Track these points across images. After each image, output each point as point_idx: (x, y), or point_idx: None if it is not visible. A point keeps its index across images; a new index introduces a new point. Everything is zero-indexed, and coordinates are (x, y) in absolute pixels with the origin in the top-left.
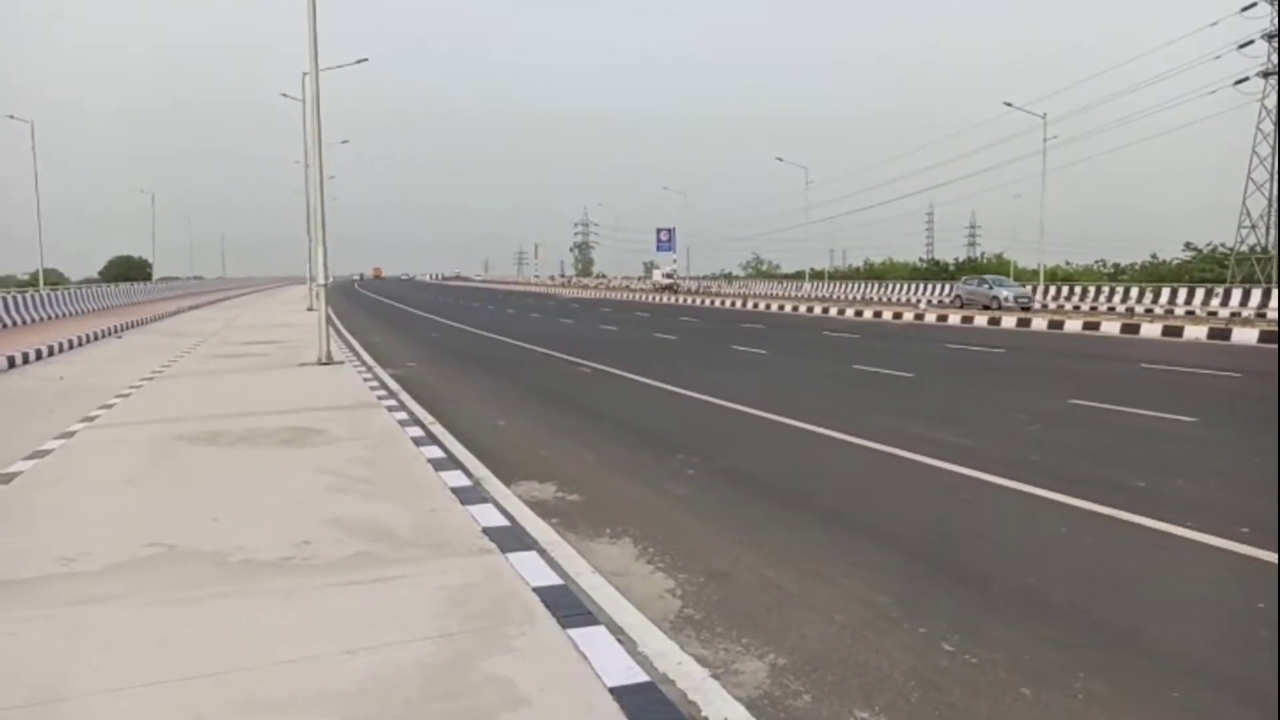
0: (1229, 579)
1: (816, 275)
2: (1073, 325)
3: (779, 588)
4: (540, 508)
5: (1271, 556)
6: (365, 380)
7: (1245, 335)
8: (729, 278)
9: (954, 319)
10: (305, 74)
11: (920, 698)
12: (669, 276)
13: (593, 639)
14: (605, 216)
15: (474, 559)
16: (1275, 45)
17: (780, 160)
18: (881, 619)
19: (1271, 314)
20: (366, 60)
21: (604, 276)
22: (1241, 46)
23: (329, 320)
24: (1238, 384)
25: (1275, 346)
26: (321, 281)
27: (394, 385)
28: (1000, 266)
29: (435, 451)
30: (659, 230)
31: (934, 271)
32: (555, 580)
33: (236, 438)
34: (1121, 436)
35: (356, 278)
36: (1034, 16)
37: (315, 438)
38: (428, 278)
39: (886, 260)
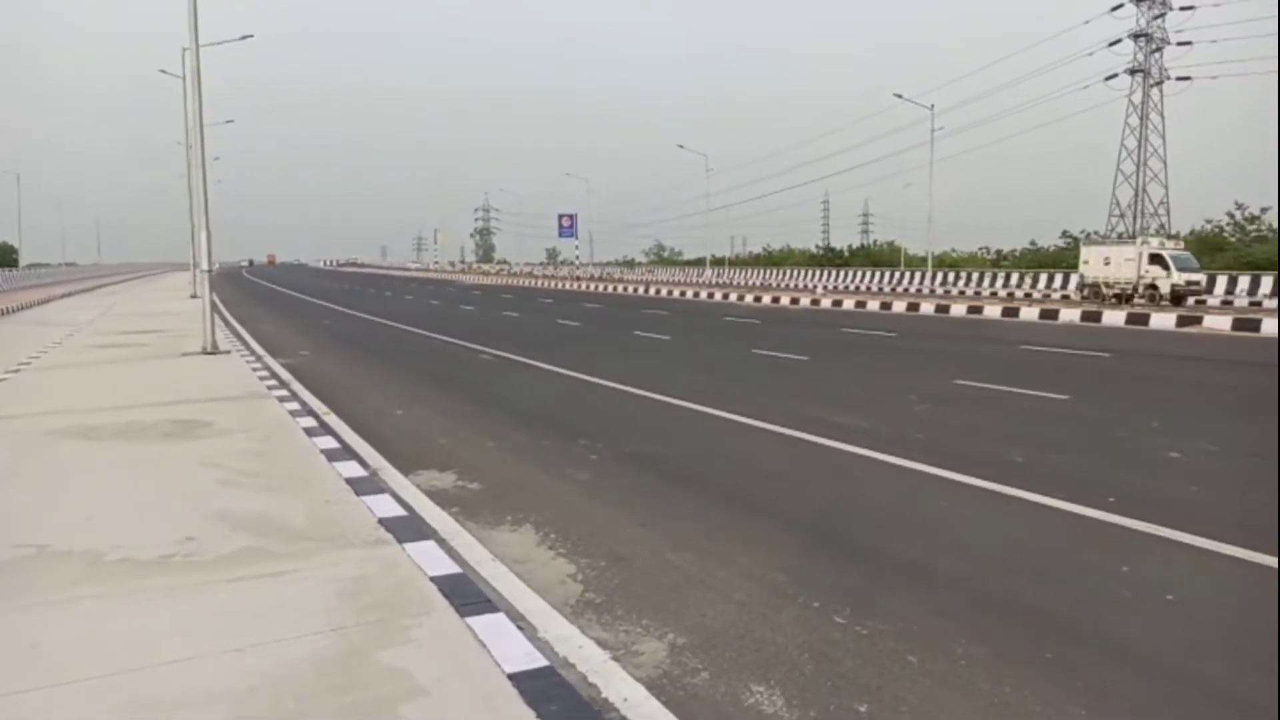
0: (1096, 545)
1: (718, 262)
2: (958, 309)
3: (679, 569)
4: (439, 497)
5: (1120, 519)
6: (254, 370)
7: (1114, 317)
8: (632, 264)
9: (848, 303)
10: (185, 49)
11: (814, 669)
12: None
13: (492, 626)
14: (507, 202)
15: (370, 550)
16: (1141, 44)
17: (681, 148)
18: (778, 595)
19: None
20: (251, 36)
21: (506, 263)
22: (1111, 45)
23: (214, 308)
24: (1106, 363)
25: (1136, 327)
26: (205, 268)
27: (285, 375)
28: (892, 254)
29: (329, 442)
30: (561, 216)
31: (830, 258)
32: (454, 569)
33: (113, 432)
34: (1002, 414)
35: (245, 264)
36: (924, 9)
37: (200, 430)
38: (321, 264)
39: (785, 247)
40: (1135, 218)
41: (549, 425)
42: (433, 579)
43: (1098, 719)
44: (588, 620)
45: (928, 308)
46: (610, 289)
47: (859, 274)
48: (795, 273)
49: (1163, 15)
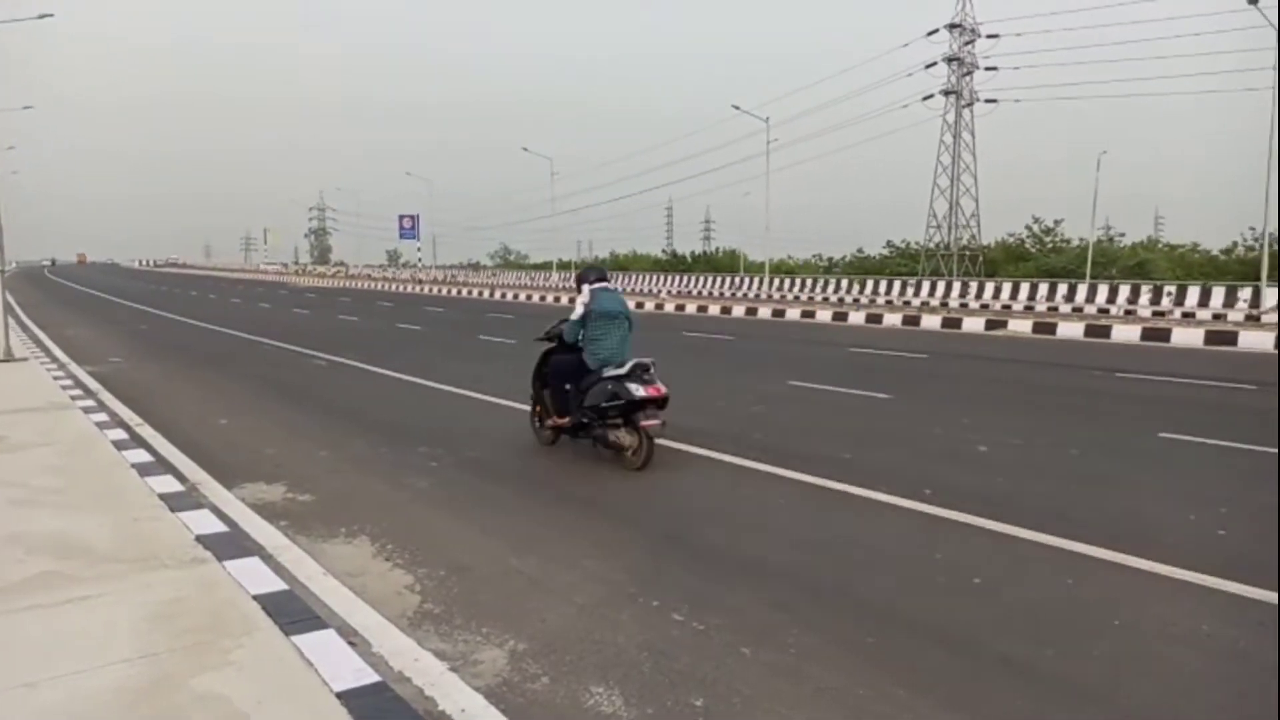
0: (917, 534)
1: (564, 266)
2: (793, 314)
3: (521, 574)
4: (266, 510)
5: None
6: (56, 379)
7: (931, 321)
8: (477, 267)
9: (690, 308)
10: None
11: (652, 667)
12: None
13: (320, 644)
14: (345, 202)
15: (185, 570)
16: (954, 68)
17: (526, 150)
18: (619, 596)
19: (954, 302)
20: (51, 15)
21: (344, 264)
22: (928, 67)
23: (8, 310)
24: (924, 364)
25: (946, 330)
26: None
27: (93, 384)
28: (732, 260)
29: (142, 455)
30: (402, 217)
31: (674, 264)
32: (280, 586)
33: None
34: (831, 413)
35: (48, 263)
36: (763, 23)
37: None
38: (137, 264)
39: (631, 252)
40: (950, 229)
41: (388, 432)
42: (256, 598)
43: (916, 697)
44: (425, 632)
45: (765, 312)
46: (454, 292)
47: (701, 279)
48: (641, 278)
49: (972, 42)
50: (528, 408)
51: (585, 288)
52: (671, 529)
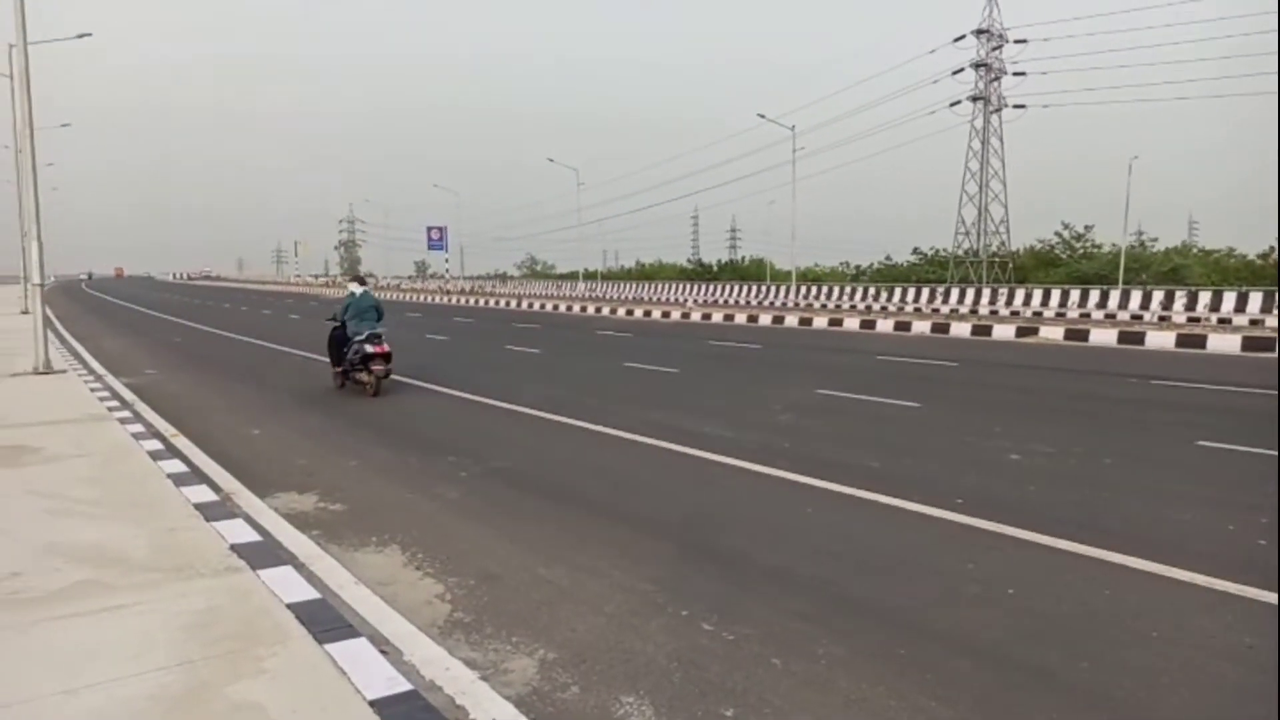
0: (946, 544)
1: (590, 275)
2: (820, 322)
3: (550, 584)
4: (299, 520)
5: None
6: (94, 390)
7: (961, 329)
8: (504, 278)
9: (717, 317)
10: (12, 46)
11: (682, 677)
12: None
13: (353, 653)
14: (373, 214)
15: (220, 579)
16: (981, 73)
17: (551, 161)
18: (647, 606)
19: (984, 309)
20: (89, 35)
21: (373, 275)
22: (955, 73)
23: (47, 323)
24: (954, 372)
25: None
26: (37, 280)
27: (129, 395)
28: (759, 268)
29: (177, 466)
30: (430, 229)
31: (700, 272)
32: (313, 595)
33: None
34: (859, 422)
35: (85, 277)
36: (786, 33)
37: (28, 456)
38: (171, 277)
39: (656, 261)
40: (979, 235)
41: (415, 442)
42: (289, 606)
43: (945, 709)
44: (456, 640)
45: (792, 320)
46: (482, 303)
47: (727, 288)
48: (666, 287)
49: (1000, 47)
50: (552, 416)
51: (352, 287)
52: (700, 538)
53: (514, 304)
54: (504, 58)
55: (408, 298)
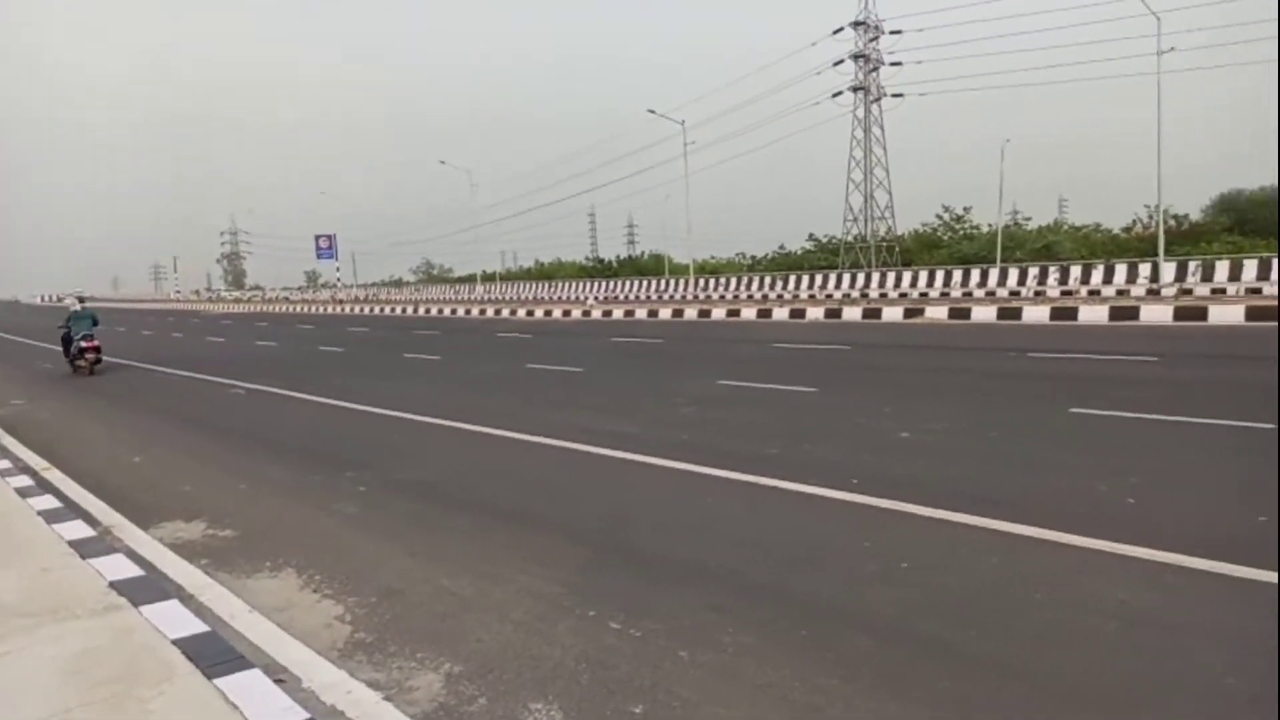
0: (845, 524)
1: (489, 278)
2: (719, 313)
3: (455, 595)
4: (186, 549)
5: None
6: None
7: (853, 313)
8: (400, 284)
9: (618, 314)
10: None
11: (590, 678)
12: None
13: (246, 685)
14: (258, 224)
15: (99, 619)
16: (860, 64)
17: (443, 164)
18: (555, 609)
19: (874, 293)
20: None
21: (260, 288)
22: (835, 64)
23: None
24: (847, 356)
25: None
26: None
27: None
28: (657, 263)
29: (49, 502)
30: (318, 237)
31: (599, 270)
32: (201, 628)
33: None
34: (760, 411)
35: None
36: (672, 23)
37: None
38: (39, 300)
39: (555, 260)
40: (866, 221)
41: (312, 459)
42: (175, 642)
43: (847, 686)
44: (358, 662)
45: (691, 314)
46: (378, 310)
47: (627, 284)
48: (567, 285)
49: (876, 38)
50: (454, 423)
51: (72, 304)
52: (607, 537)
53: (411, 310)
54: (387, 63)
55: (298, 309)
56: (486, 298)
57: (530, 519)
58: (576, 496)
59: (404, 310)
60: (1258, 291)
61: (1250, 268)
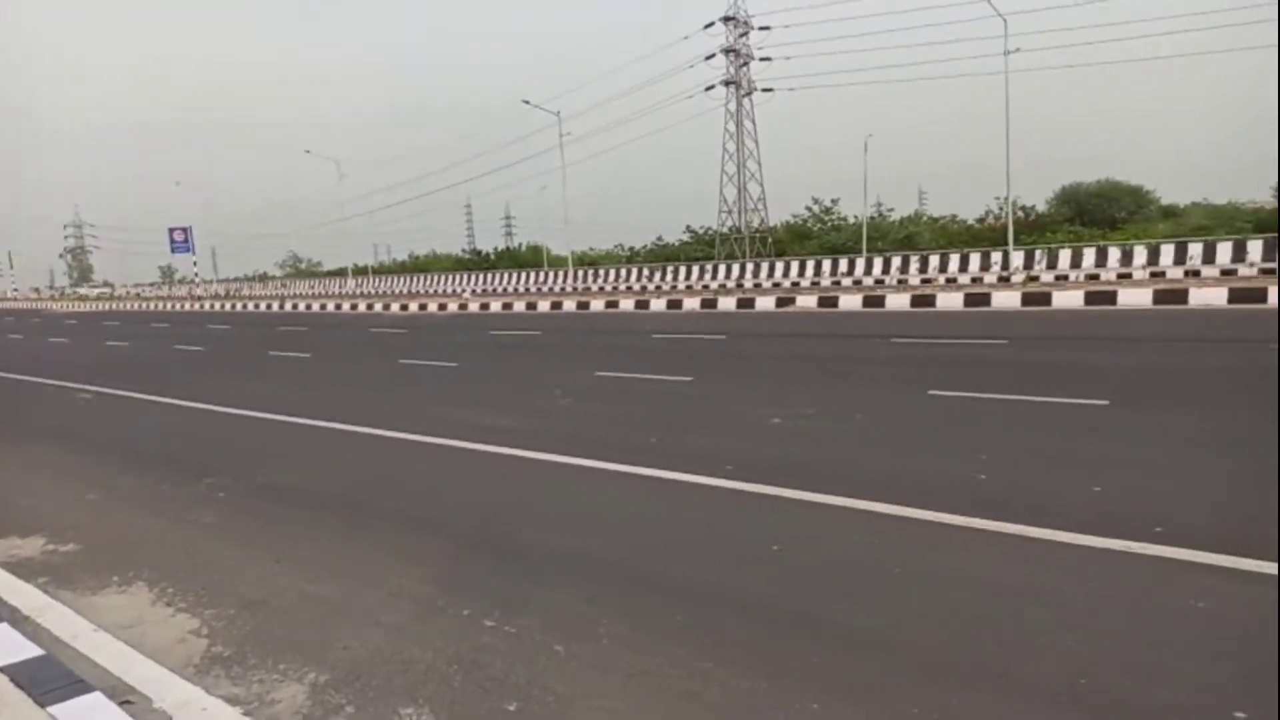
0: (720, 510)
1: (360, 271)
2: (597, 304)
3: (322, 601)
4: (21, 568)
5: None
6: None
7: (728, 303)
8: (264, 278)
9: (495, 306)
10: None
11: (464, 679)
12: None
13: (85, 711)
14: (107, 217)
15: None
16: (731, 59)
17: (309, 153)
18: (428, 610)
19: (748, 283)
20: None
21: (110, 285)
22: (707, 58)
23: None
24: (722, 345)
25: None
26: None
27: None
28: (535, 255)
29: None
30: (173, 230)
31: (476, 262)
32: (35, 652)
33: None
34: (637, 401)
35: None
36: (545, 17)
37: None
38: None
39: (431, 253)
40: (740, 213)
41: (167, 466)
42: (4, 669)
43: (720, 667)
44: (215, 677)
45: (570, 305)
46: (241, 307)
47: (505, 276)
48: (442, 278)
49: (746, 34)
50: (323, 423)
51: None
52: (484, 534)
53: (278, 306)
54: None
55: (152, 306)
56: (358, 292)
57: (403, 519)
58: (452, 494)
59: (270, 306)
60: (1096, 277)
61: (1089, 255)
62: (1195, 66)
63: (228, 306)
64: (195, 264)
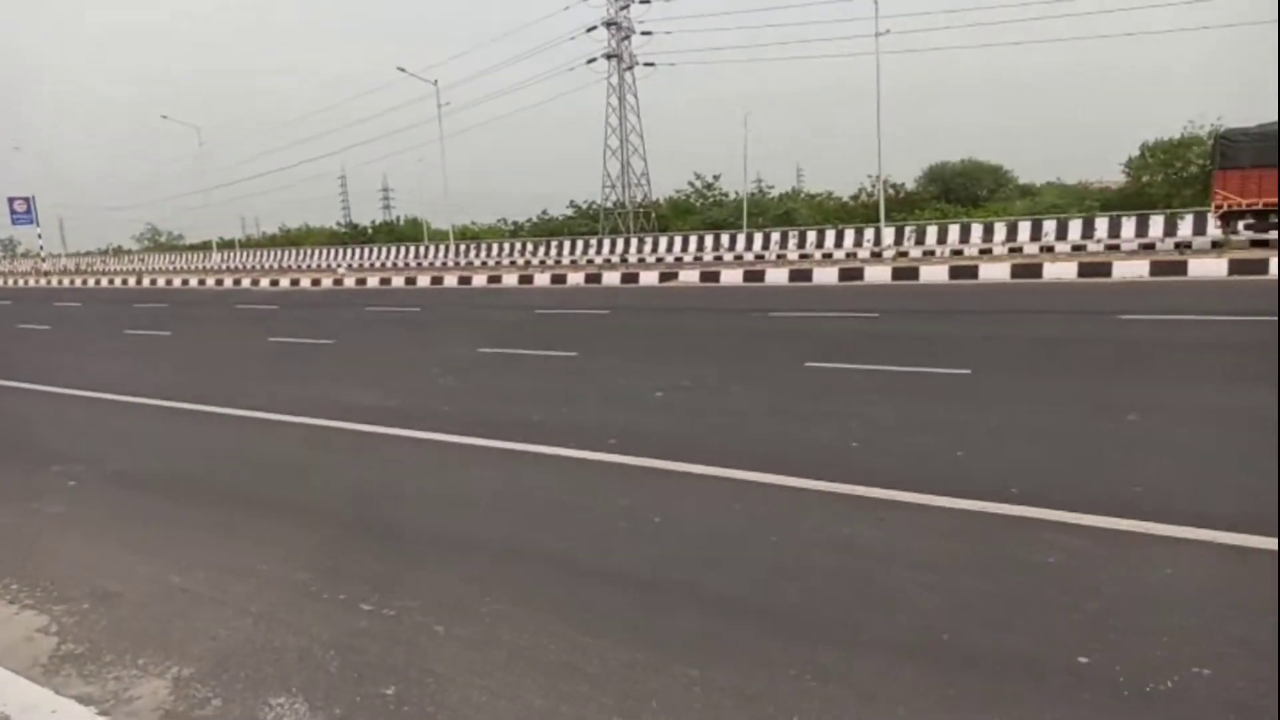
0: (602, 484)
1: (226, 245)
2: (480, 280)
3: (186, 592)
4: None
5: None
6: None
7: (612, 278)
8: (120, 253)
9: (373, 281)
10: None
11: (339, 664)
12: None
13: None
14: None
15: None
16: (613, 32)
17: (165, 119)
18: (301, 597)
19: (632, 258)
20: None
21: None
22: (589, 30)
23: None
24: (606, 319)
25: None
26: None
27: None
28: (415, 228)
29: None
30: (13, 200)
31: (352, 235)
32: None
33: None
34: (520, 377)
35: None
36: None
37: None
38: None
39: (304, 226)
40: (624, 188)
41: (9, 454)
42: None
43: (600, 640)
44: (65, 677)
45: (451, 280)
46: (94, 283)
47: (383, 250)
48: (316, 253)
49: (627, 6)
50: (185, 405)
51: None
52: (362, 516)
53: (135, 282)
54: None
55: None
56: (224, 267)
57: (275, 504)
58: (327, 476)
59: (126, 282)
60: (960, 253)
61: (954, 231)
62: (1051, 51)
63: (79, 283)
64: (40, 236)
